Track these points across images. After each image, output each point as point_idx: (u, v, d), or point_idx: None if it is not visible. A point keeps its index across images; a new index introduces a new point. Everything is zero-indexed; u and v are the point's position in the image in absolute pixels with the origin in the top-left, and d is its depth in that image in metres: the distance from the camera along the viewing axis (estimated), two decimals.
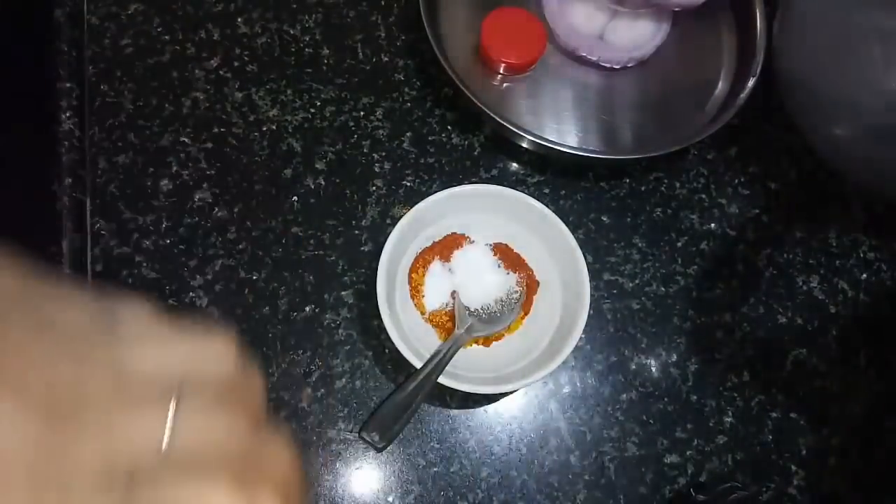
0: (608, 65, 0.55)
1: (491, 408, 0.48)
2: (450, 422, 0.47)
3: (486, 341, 0.46)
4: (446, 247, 0.47)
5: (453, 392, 0.47)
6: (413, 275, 0.47)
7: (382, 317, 0.42)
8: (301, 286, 0.49)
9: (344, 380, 0.47)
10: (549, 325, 0.46)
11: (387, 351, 0.48)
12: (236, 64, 0.54)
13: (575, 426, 0.48)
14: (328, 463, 0.45)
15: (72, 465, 0.18)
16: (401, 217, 0.45)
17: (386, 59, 0.55)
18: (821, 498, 0.49)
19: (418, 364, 0.41)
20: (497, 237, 0.48)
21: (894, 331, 0.53)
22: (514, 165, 0.54)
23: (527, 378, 0.42)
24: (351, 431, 0.46)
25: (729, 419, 0.49)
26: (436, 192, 0.46)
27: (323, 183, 0.51)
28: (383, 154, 0.53)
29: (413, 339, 0.44)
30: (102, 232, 0.49)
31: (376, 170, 0.52)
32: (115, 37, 0.53)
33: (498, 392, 0.45)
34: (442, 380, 0.41)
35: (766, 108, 0.57)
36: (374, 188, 0.52)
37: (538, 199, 0.46)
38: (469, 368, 0.44)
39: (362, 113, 0.54)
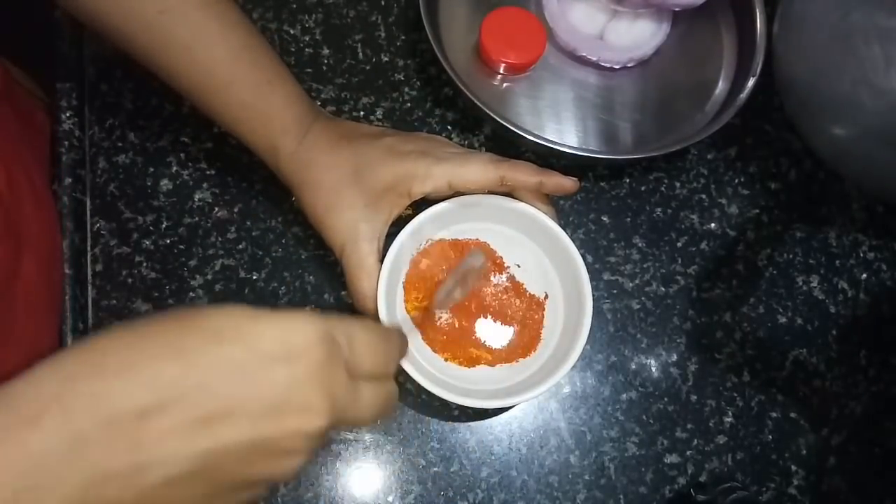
0: (608, 65, 0.55)
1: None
2: (450, 422, 0.47)
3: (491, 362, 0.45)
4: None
5: None
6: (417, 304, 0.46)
7: (381, 322, 0.41)
8: (301, 286, 0.49)
9: None
10: (551, 338, 0.45)
11: None
12: None
13: (575, 426, 0.48)
14: (328, 463, 0.45)
15: None
16: (402, 217, 0.44)
17: (386, 59, 0.55)
18: (821, 498, 0.49)
19: (409, 368, 0.41)
20: (505, 250, 0.47)
21: (894, 331, 0.53)
22: None
23: (530, 392, 0.41)
24: (351, 431, 0.46)
25: (729, 419, 0.49)
26: None
27: None
28: None
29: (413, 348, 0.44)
30: (102, 232, 0.49)
31: None
32: None
33: (503, 406, 0.45)
34: (446, 395, 0.40)
35: (766, 108, 0.57)
36: None
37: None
38: (473, 381, 0.44)
39: (362, 113, 0.54)
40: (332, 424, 0.28)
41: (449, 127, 0.54)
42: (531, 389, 0.41)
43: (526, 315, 0.46)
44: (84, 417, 0.24)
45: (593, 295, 0.43)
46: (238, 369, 0.26)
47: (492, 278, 0.46)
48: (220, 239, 0.50)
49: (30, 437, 0.23)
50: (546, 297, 0.46)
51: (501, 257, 0.46)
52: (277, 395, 0.26)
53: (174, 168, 0.51)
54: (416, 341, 0.44)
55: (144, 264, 0.49)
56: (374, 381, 0.30)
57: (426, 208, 0.43)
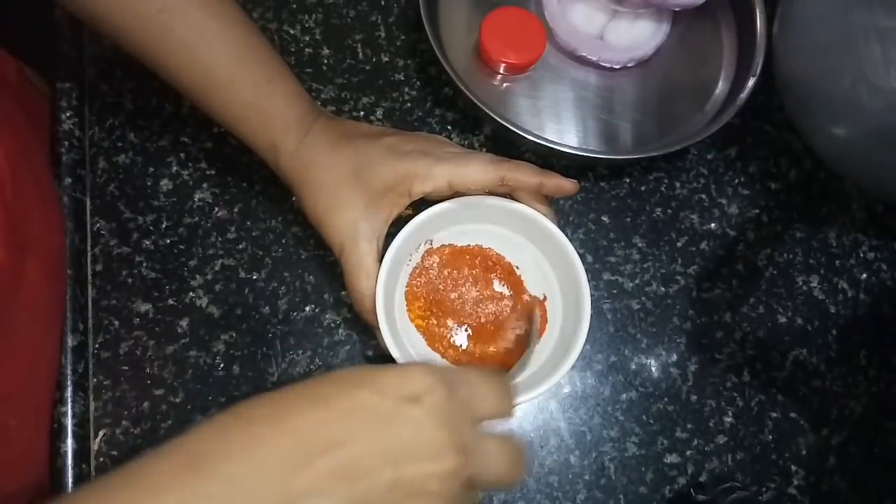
0: (608, 65, 0.55)
1: None
2: None
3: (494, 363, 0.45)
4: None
5: None
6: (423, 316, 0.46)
7: (379, 321, 0.41)
8: (301, 286, 0.49)
9: None
10: (550, 338, 0.45)
11: None
12: None
13: (575, 426, 0.48)
14: None
15: None
16: (402, 217, 0.44)
17: (386, 59, 0.55)
18: (821, 498, 0.49)
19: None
20: (504, 251, 0.47)
21: (894, 331, 0.53)
22: None
23: (530, 392, 0.41)
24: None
25: (729, 419, 0.49)
26: None
27: None
28: None
29: (409, 344, 0.44)
30: (102, 232, 0.49)
31: None
32: None
33: None
34: None
35: (766, 108, 0.57)
36: None
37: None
38: None
39: (362, 113, 0.54)
40: (465, 470, 0.28)
41: (449, 127, 0.54)
42: (531, 389, 0.41)
43: (525, 316, 0.46)
44: (239, 462, 0.25)
45: (593, 295, 0.43)
46: (373, 413, 0.27)
47: (493, 280, 0.46)
48: (220, 239, 0.50)
49: (191, 479, 0.25)
50: (545, 298, 0.46)
51: (503, 257, 0.46)
52: (411, 437, 0.27)
53: (174, 168, 0.51)
54: (418, 345, 0.44)
55: (144, 264, 0.48)
56: (498, 438, 0.31)
57: (426, 208, 0.43)
